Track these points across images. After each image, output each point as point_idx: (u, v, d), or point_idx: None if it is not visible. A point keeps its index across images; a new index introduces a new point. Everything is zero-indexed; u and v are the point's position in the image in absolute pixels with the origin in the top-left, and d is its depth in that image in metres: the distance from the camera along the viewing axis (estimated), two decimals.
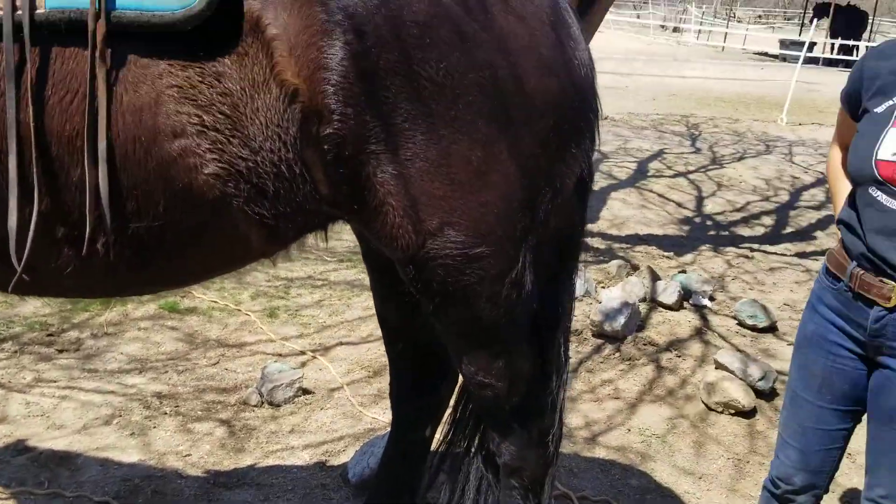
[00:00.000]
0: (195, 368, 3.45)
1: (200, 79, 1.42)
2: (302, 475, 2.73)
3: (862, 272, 1.76)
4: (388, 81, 1.47)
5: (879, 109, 1.76)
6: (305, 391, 3.28)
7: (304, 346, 3.76)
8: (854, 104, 1.89)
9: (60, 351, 3.50)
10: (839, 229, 1.87)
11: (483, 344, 1.76)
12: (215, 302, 4.16)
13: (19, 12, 1.34)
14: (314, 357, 3.65)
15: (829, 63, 21.81)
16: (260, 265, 4.45)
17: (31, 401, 3.08)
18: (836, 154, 2.03)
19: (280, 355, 3.63)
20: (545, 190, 1.67)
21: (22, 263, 1.40)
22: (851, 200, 1.84)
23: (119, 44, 1.39)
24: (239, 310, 4.09)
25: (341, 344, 3.81)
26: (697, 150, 9.78)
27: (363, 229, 1.69)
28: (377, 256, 1.93)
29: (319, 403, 3.23)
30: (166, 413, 3.05)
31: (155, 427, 2.95)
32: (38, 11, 1.36)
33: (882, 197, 1.71)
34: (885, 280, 1.71)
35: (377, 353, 3.67)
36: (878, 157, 1.70)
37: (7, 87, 1.34)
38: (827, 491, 2.03)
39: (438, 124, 1.50)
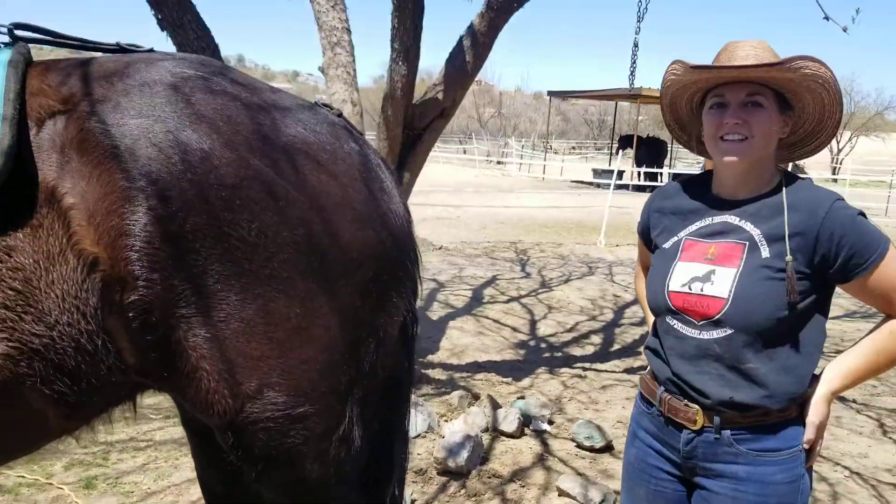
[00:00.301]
0: None
1: None
2: None
3: (669, 397, 1.86)
4: (198, 244, 1.44)
5: (667, 245, 1.92)
6: None
7: None
8: (646, 239, 2.05)
9: None
10: (646, 356, 1.98)
11: None
12: (23, 477, 3.72)
13: None
14: None
15: (638, 188, 23.95)
16: None
17: None
18: (642, 280, 2.18)
19: None
20: (368, 340, 1.66)
21: None
22: (654, 328, 1.97)
23: None
24: (51, 483, 3.68)
25: None
26: (527, 275, 10.25)
27: (177, 396, 1.59)
28: (196, 421, 1.82)
29: None
30: None
31: None
32: None
33: (678, 325, 1.83)
34: (689, 404, 1.81)
35: None
36: (670, 289, 1.84)
37: None
38: None
39: (253, 283, 1.47)
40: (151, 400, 4.76)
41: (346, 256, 1.60)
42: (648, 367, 1.99)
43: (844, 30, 3.56)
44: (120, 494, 3.64)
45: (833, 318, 7.79)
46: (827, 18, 3.69)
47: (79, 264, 1.37)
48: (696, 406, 1.80)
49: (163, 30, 4.18)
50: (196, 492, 3.65)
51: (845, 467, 4.58)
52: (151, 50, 1.77)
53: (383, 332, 1.72)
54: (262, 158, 1.52)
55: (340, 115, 1.88)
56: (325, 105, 1.88)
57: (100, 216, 1.38)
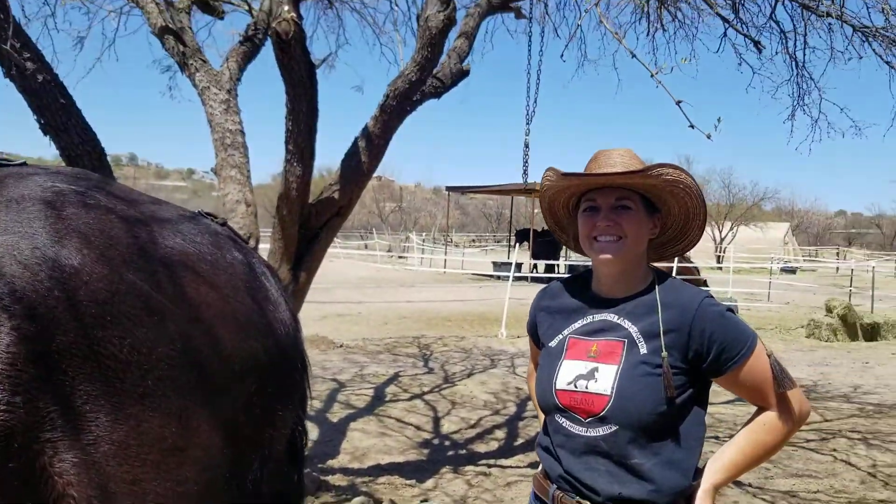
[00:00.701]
0: None
1: None
2: None
3: (562, 494, 1.86)
4: (65, 363, 1.36)
5: (553, 344, 1.96)
6: None
7: None
8: (535, 337, 2.09)
9: None
10: (538, 454, 1.99)
11: None
12: None
13: None
14: None
15: (536, 279, 24.53)
16: None
17: None
18: (534, 377, 2.20)
19: None
20: (253, 457, 1.59)
21: None
22: (545, 426, 1.98)
23: None
24: None
25: None
26: (430, 370, 10.20)
27: None
28: None
29: None
30: None
31: None
32: None
33: (566, 423, 1.86)
34: (581, 501, 1.82)
35: None
36: (557, 387, 1.87)
37: None
38: None
39: (126, 403, 1.40)
40: None
41: (228, 369, 1.54)
42: (540, 466, 1.99)
43: (708, 137, 3.84)
44: None
45: (727, 402, 8.07)
46: (692, 126, 3.97)
47: None
48: (587, 503, 1.81)
49: (45, 134, 4.07)
50: None
51: None
52: (24, 164, 1.72)
53: (269, 448, 1.65)
54: (136, 272, 1.47)
55: (225, 223, 1.86)
56: (209, 214, 1.86)
57: None
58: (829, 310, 14.65)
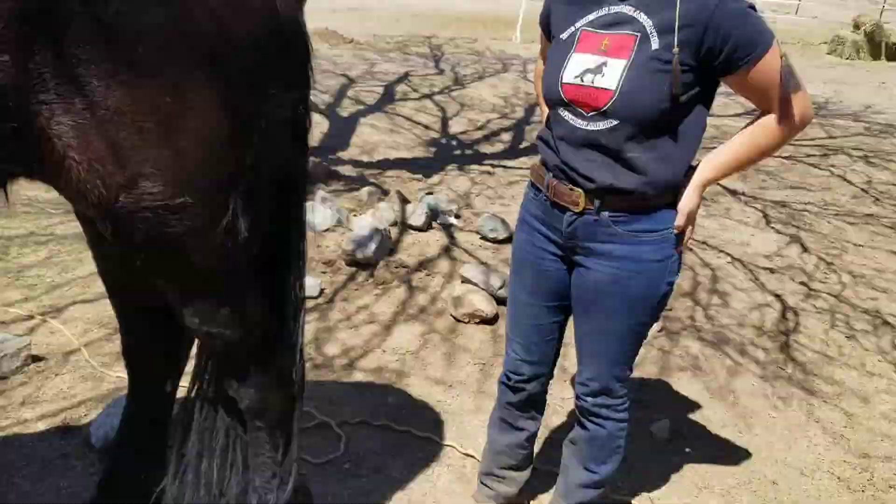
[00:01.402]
0: None
1: None
2: (40, 446, 2.53)
3: (556, 182, 1.94)
4: (54, 23, 1.33)
5: (564, 36, 1.90)
6: (36, 358, 3.01)
7: (32, 309, 3.43)
8: (547, 30, 2.03)
9: None
10: (538, 145, 2.04)
11: (203, 295, 1.70)
12: None
13: None
14: (44, 321, 3.35)
15: None
16: None
17: None
18: (541, 73, 2.18)
19: (3, 323, 3.29)
20: (252, 135, 1.62)
21: None
22: (547, 119, 2.01)
23: None
24: None
25: (75, 303, 3.52)
26: (441, 72, 10.07)
27: (52, 186, 1.55)
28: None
29: (54, 369, 2.99)
30: None
31: None
32: None
33: (568, 116, 1.87)
34: (574, 188, 1.90)
35: None
36: (563, 81, 1.86)
37: None
38: (552, 376, 2.27)
39: (118, 69, 1.39)
40: (50, 195, 4.63)
41: (225, 43, 1.51)
42: (539, 157, 2.04)
43: None
44: (24, 288, 3.63)
45: (734, 115, 8.05)
46: None
47: None
48: (580, 190, 1.89)
49: None
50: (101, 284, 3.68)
51: (728, 254, 4.96)
52: None
53: (268, 127, 1.67)
54: None
55: None
56: None
57: None
58: (856, 27, 14.03)
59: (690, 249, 4.85)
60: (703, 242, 5.08)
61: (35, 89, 1.33)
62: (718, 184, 5.77)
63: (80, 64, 1.34)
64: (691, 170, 1.90)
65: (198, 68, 1.47)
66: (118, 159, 1.43)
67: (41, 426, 2.64)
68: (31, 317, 3.36)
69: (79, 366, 3.04)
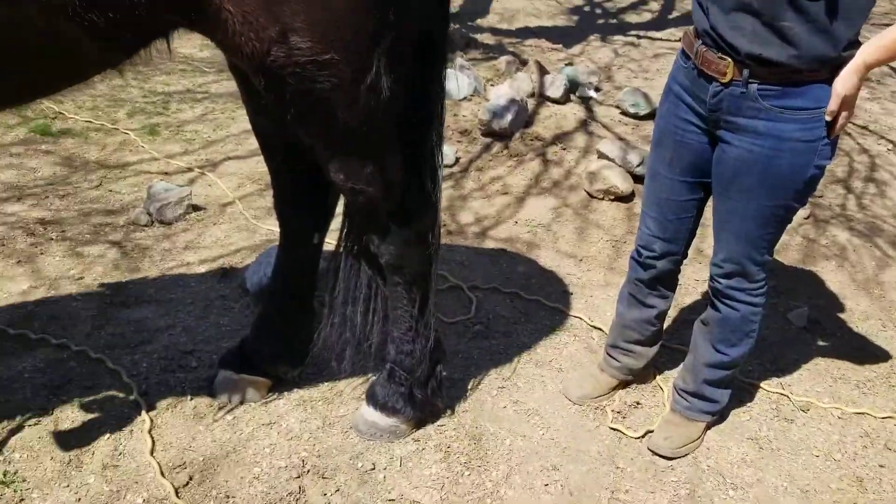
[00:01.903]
0: (77, 192, 3.35)
1: None
2: (201, 288, 2.78)
3: (705, 49, 1.84)
4: None
5: None
6: (196, 208, 3.26)
7: (191, 162, 3.68)
8: None
9: None
10: (692, 7, 1.93)
11: (348, 151, 1.77)
12: (90, 122, 3.95)
13: None
14: (202, 173, 3.59)
15: None
16: (132, 81, 4.21)
17: None
18: None
19: (166, 174, 3.55)
20: None
21: None
22: None
23: None
24: (116, 129, 3.92)
25: (229, 158, 3.75)
26: None
27: (209, 38, 1.63)
28: (240, 68, 1.87)
29: (212, 219, 3.23)
30: (52, 239, 2.99)
31: (42, 254, 2.90)
32: None
33: None
34: (722, 56, 1.80)
35: None
36: None
37: None
38: (685, 256, 2.24)
39: None
40: (205, 53, 4.83)
41: None
42: (692, 25, 1.94)
43: None
44: (182, 142, 3.88)
45: None
46: None
47: None
48: (728, 59, 1.79)
49: None
50: (253, 141, 3.83)
51: (890, 140, 4.59)
52: None
53: None
54: None
55: None
56: None
57: None
58: None
59: (848, 134, 4.52)
60: (864, 127, 4.72)
61: None
62: (888, 66, 5.28)
63: None
64: (854, 46, 1.74)
65: None
66: (270, 14, 1.48)
67: (202, 269, 2.89)
68: (190, 169, 3.61)
69: (234, 217, 3.26)
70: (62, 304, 2.62)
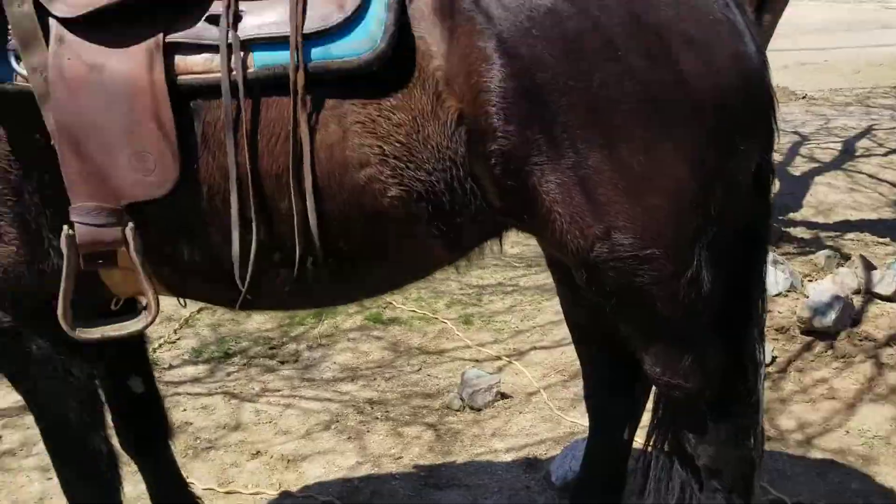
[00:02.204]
0: (400, 375, 3.66)
1: (378, 113, 1.57)
2: (507, 477, 2.83)
3: None
4: (545, 97, 1.54)
5: None
6: (504, 395, 3.38)
7: (500, 351, 3.87)
8: None
9: (282, 363, 3.84)
10: None
11: (666, 344, 1.76)
12: (414, 311, 4.38)
13: (234, 73, 1.55)
14: (510, 362, 3.75)
15: None
16: (452, 274, 4.62)
17: (259, 409, 3.42)
18: None
19: (477, 361, 3.77)
20: (715, 186, 1.65)
21: (245, 284, 1.61)
22: None
23: (313, 90, 1.56)
24: (436, 318, 4.28)
25: (535, 348, 3.88)
26: None
27: (536, 236, 1.77)
28: (560, 263, 1.99)
29: (518, 407, 3.32)
30: (378, 418, 3.28)
31: (368, 431, 3.17)
32: (249, 70, 1.57)
33: None
34: None
35: (571, 356, 3.68)
36: None
37: (227, 137, 1.55)
38: None
39: (598, 133, 1.55)
40: (515, 250, 5.19)
41: (691, 103, 1.57)
42: None
43: None
44: (493, 331, 4.12)
45: None
46: None
47: (447, 119, 1.57)
48: None
49: None
50: (558, 332, 3.98)
51: None
52: None
53: (731, 179, 1.68)
54: (600, 9, 1.54)
55: None
56: None
57: (462, 76, 1.55)
58: None
59: None
60: None
61: (531, 153, 1.56)
62: None
63: (566, 130, 1.54)
64: None
65: (668, 129, 1.57)
66: (595, 213, 1.58)
67: (508, 458, 2.95)
68: (498, 357, 3.79)
69: (538, 407, 3.32)
70: (383, 480, 2.81)
